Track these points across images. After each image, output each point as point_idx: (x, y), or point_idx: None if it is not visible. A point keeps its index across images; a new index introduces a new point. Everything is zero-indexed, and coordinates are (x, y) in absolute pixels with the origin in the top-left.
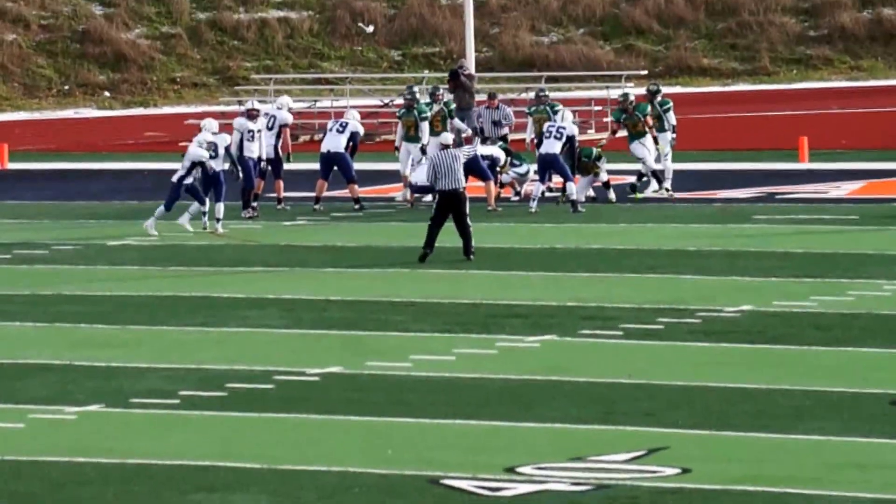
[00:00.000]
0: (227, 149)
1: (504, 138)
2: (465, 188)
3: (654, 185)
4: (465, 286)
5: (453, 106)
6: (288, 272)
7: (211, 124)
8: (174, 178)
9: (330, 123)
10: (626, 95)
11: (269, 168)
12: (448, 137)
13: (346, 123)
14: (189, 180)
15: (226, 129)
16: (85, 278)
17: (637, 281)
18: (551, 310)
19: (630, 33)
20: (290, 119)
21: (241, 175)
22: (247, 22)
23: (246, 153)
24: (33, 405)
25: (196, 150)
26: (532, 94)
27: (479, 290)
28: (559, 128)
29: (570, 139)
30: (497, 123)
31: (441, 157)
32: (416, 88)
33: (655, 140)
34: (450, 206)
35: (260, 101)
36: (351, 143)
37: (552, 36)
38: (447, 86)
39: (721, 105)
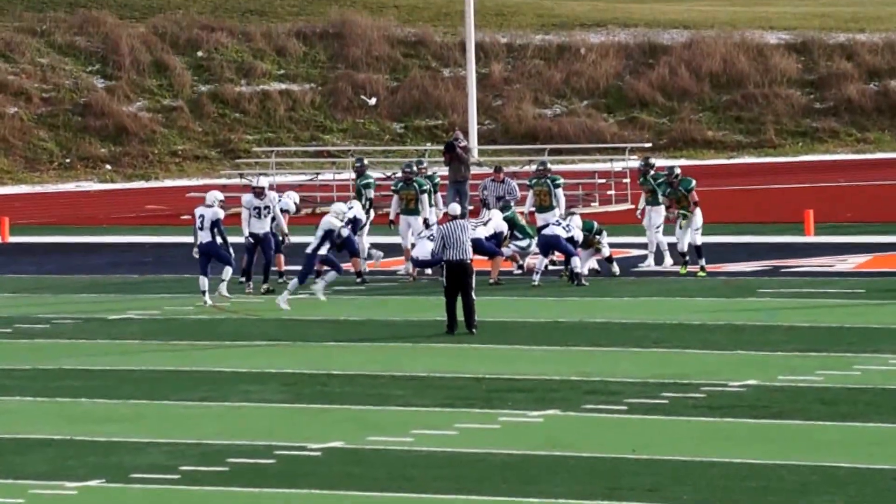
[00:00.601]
0: (215, 223)
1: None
2: (472, 259)
3: (668, 258)
4: (467, 360)
5: (437, 179)
6: (289, 346)
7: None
8: (308, 250)
9: None
10: (671, 169)
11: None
12: (456, 208)
13: (352, 206)
14: (323, 250)
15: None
16: (86, 352)
17: (641, 355)
18: (554, 384)
19: (634, 105)
20: (292, 209)
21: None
22: (248, 94)
23: (254, 229)
24: (33, 480)
25: (330, 220)
26: (534, 167)
27: (481, 364)
28: (568, 225)
29: (571, 240)
30: (501, 198)
31: (450, 228)
32: (365, 161)
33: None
34: (457, 276)
35: (262, 175)
36: (350, 226)
37: (555, 108)
38: (443, 158)
39: (726, 178)
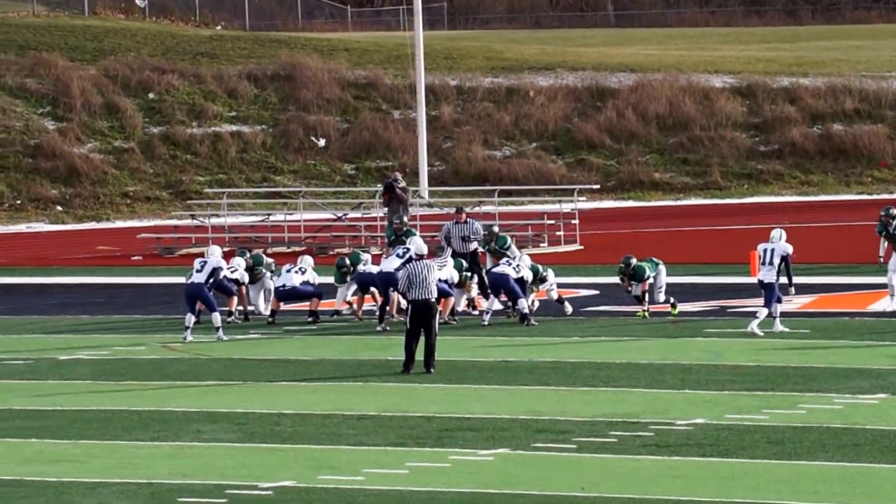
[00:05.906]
0: (216, 270)
1: (475, 253)
2: (436, 299)
3: None
4: (417, 399)
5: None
6: (240, 385)
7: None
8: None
9: (287, 266)
10: (887, 209)
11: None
12: (423, 248)
13: (306, 270)
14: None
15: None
16: (36, 393)
17: (590, 394)
18: (505, 423)
19: (582, 147)
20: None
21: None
22: (200, 136)
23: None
24: None
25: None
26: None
27: (431, 403)
28: (518, 265)
29: (520, 280)
30: (466, 238)
31: (416, 268)
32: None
33: None
34: (422, 316)
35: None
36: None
37: (504, 150)
38: (381, 199)
39: (673, 219)
